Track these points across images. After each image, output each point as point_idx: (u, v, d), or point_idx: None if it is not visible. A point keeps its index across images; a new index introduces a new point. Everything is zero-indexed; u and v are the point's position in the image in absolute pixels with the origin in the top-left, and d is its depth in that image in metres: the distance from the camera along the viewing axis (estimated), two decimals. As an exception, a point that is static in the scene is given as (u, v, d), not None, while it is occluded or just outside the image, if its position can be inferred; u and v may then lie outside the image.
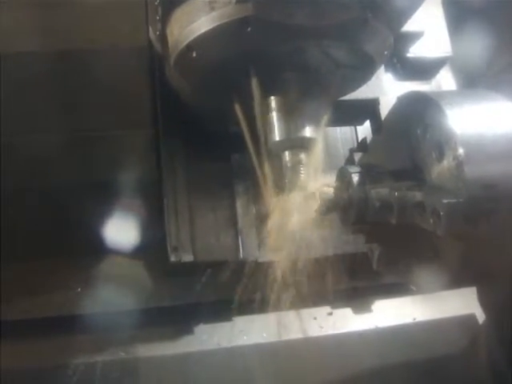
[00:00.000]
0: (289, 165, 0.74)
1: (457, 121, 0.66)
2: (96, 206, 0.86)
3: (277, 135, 0.74)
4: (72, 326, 0.86)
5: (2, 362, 0.83)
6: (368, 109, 0.90)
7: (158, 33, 0.74)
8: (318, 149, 0.75)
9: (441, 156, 0.68)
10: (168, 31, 0.72)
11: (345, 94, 0.86)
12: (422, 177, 0.73)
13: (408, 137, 0.76)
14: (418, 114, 0.73)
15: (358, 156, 0.90)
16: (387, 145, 0.84)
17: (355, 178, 0.74)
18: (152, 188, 0.88)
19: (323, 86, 0.75)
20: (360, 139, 0.98)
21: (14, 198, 0.85)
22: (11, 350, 0.85)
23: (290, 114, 0.74)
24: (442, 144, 0.68)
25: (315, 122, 0.74)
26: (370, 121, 0.92)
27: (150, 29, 0.77)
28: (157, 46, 0.78)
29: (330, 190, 0.78)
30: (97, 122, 0.83)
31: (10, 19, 0.75)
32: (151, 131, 0.85)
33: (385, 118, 0.89)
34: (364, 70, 0.78)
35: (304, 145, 0.74)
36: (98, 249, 0.87)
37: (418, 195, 0.69)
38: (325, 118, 0.75)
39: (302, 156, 0.74)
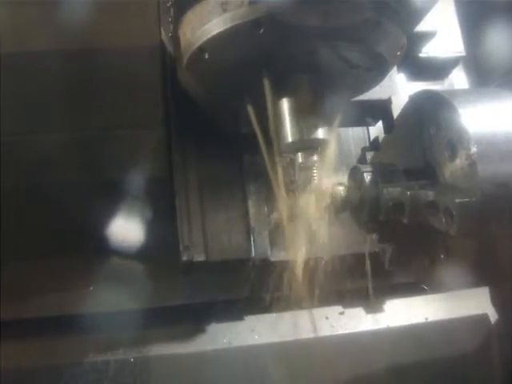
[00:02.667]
0: (301, 166, 0.75)
1: (469, 119, 0.67)
2: (108, 206, 0.87)
3: (289, 136, 0.75)
4: (84, 325, 0.87)
5: (16, 360, 0.85)
6: (381, 109, 0.91)
7: (170, 34, 0.76)
8: (331, 150, 0.75)
9: (453, 155, 0.69)
10: (180, 33, 0.73)
11: (358, 95, 0.87)
12: (434, 176, 0.74)
13: (420, 136, 0.78)
14: (430, 112, 0.75)
15: (370, 155, 0.91)
16: (399, 144, 0.85)
17: (367, 176, 0.76)
18: (164, 187, 0.88)
19: (336, 87, 0.75)
20: (372, 138, 0.98)
21: (26, 196, 0.87)
22: (23, 349, 0.87)
23: (302, 115, 0.75)
24: (455, 143, 0.69)
25: (328, 123, 0.75)
26: (383, 120, 0.93)
27: (162, 30, 0.78)
28: (169, 47, 0.79)
29: (342, 189, 0.79)
30: (108, 122, 0.85)
31: (21, 18, 0.76)
32: (163, 131, 0.86)
33: (397, 117, 0.89)
34: (377, 70, 0.79)
35: (317, 146, 0.75)
36: (110, 248, 0.88)
37: (430, 194, 0.70)
38: (338, 119, 0.76)
39: (315, 157, 0.75)
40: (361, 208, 0.76)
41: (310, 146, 0.75)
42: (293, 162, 0.77)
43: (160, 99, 0.83)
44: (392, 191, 0.73)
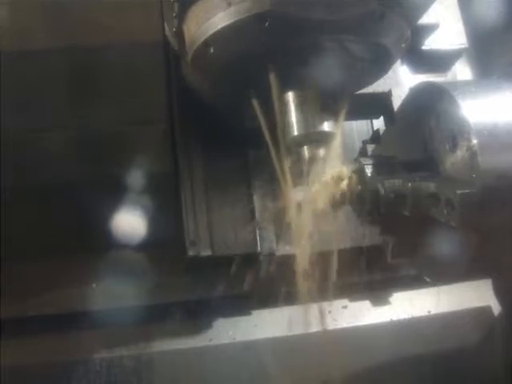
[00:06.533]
0: (307, 159, 0.77)
1: (470, 111, 0.69)
2: (113, 202, 0.90)
3: (295, 130, 0.77)
4: (87, 322, 0.91)
5: (19, 358, 0.88)
6: (382, 102, 0.93)
7: (174, 29, 0.76)
8: (337, 143, 0.78)
9: (454, 146, 0.71)
10: (185, 28, 0.75)
11: (362, 88, 0.89)
12: (435, 168, 0.76)
13: (421, 128, 0.79)
14: (430, 104, 0.76)
15: (371, 147, 0.94)
16: (400, 136, 0.86)
17: (369, 169, 0.77)
18: (169, 183, 0.91)
19: (341, 80, 0.77)
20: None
21: (27, 194, 0.89)
22: (26, 347, 0.90)
23: (308, 108, 0.77)
24: (456, 134, 0.70)
25: (333, 116, 0.78)
26: (384, 113, 0.95)
27: (166, 25, 0.80)
28: (173, 42, 0.80)
29: (344, 182, 0.81)
30: (112, 118, 0.87)
31: (23, 16, 0.78)
32: (167, 127, 0.89)
33: (398, 109, 0.92)
34: (381, 63, 0.81)
35: (322, 139, 0.77)
36: (115, 244, 0.90)
37: (431, 186, 0.72)
38: (343, 112, 0.78)
39: (321, 150, 0.77)
40: (362, 201, 0.78)
41: (316, 140, 0.77)
42: (299, 155, 0.78)
43: (164, 95, 0.85)
44: (393, 183, 0.75)
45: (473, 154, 0.66)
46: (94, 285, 0.92)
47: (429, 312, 1.05)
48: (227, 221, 0.92)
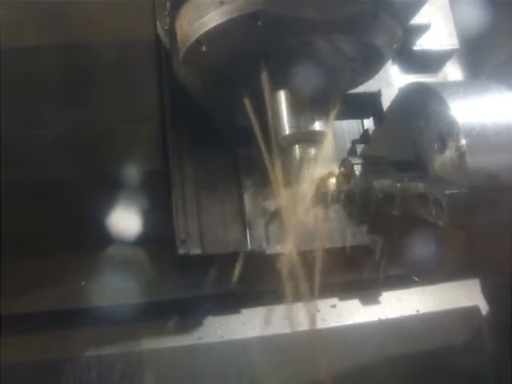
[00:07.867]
0: (298, 158, 0.78)
1: (459, 111, 0.69)
2: (103, 200, 0.90)
3: (287, 129, 0.78)
4: (77, 320, 0.91)
5: (6, 356, 0.88)
6: (372, 102, 0.95)
7: (166, 27, 0.78)
8: (328, 142, 0.79)
9: (443, 147, 0.71)
10: (177, 26, 0.76)
11: (354, 88, 0.90)
12: (424, 168, 0.76)
13: (410, 128, 0.79)
14: (419, 105, 0.76)
15: (360, 147, 0.95)
16: (389, 136, 0.87)
17: (358, 169, 0.77)
18: (160, 181, 0.92)
19: (333, 80, 0.79)
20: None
21: (19, 191, 0.90)
22: (14, 345, 0.90)
23: (299, 107, 0.78)
24: (444, 135, 0.70)
25: (325, 115, 0.79)
26: (373, 113, 0.97)
27: (158, 24, 0.80)
28: (165, 40, 0.82)
29: (334, 182, 0.82)
30: (103, 116, 0.88)
31: (17, 13, 0.79)
32: (158, 125, 0.89)
33: (387, 110, 0.93)
34: (373, 63, 0.82)
35: (314, 138, 0.79)
36: (105, 242, 0.91)
37: (420, 186, 0.72)
38: (334, 112, 0.80)
39: (312, 149, 0.78)
40: (351, 200, 0.78)
41: (307, 139, 0.78)
42: (290, 154, 0.79)
43: (155, 93, 0.86)
44: (382, 183, 0.75)
45: (461, 154, 0.67)
46: (82, 283, 0.93)
47: (417, 311, 1.07)
48: (217, 219, 0.93)
